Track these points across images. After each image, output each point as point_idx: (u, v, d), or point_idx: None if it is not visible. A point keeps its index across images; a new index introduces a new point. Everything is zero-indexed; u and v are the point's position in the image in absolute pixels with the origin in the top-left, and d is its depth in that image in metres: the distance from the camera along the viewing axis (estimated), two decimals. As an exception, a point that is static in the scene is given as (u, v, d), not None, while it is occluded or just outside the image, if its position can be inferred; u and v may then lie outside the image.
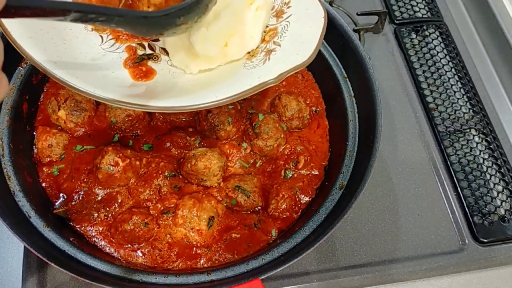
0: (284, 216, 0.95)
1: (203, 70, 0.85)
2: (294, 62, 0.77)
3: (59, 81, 0.74)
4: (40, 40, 0.78)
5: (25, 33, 0.76)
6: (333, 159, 1.02)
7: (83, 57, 0.83)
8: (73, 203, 0.92)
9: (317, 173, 1.01)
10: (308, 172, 1.01)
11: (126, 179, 0.92)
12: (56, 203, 0.91)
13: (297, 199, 0.97)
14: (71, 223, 0.90)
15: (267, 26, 0.89)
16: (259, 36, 0.87)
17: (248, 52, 0.87)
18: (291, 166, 1.00)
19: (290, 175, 1.00)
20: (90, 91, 0.73)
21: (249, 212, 0.95)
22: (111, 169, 0.90)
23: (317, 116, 1.08)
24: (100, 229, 0.90)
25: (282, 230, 0.94)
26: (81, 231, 0.89)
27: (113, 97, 0.73)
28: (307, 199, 0.98)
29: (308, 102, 1.08)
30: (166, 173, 0.94)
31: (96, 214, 0.91)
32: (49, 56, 0.76)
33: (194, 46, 0.81)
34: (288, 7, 0.88)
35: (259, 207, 0.96)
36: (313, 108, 1.08)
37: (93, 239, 0.89)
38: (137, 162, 0.94)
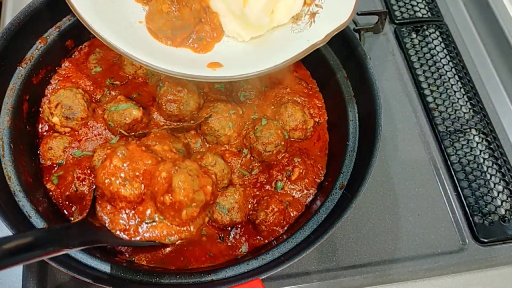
0: (271, 229, 0.92)
1: (255, 37, 0.93)
2: (337, 21, 0.84)
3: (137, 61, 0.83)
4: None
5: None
6: (333, 159, 1.02)
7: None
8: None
9: (310, 188, 0.98)
10: (301, 187, 0.98)
11: None
12: (73, 215, 0.91)
13: (286, 213, 0.94)
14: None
15: None
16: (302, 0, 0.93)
17: (293, 16, 0.93)
18: (284, 178, 0.98)
19: (281, 187, 0.97)
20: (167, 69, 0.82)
21: (224, 228, 0.92)
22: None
23: (318, 128, 1.06)
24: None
25: (256, 247, 0.91)
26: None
27: (178, 70, 0.82)
28: (295, 213, 0.95)
29: (311, 112, 1.06)
30: None
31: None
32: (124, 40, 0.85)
33: (248, 17, 0.88)
34: None
35: (239, 224, 0.93)
36: (316, 119, 1.06)
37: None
38: None
